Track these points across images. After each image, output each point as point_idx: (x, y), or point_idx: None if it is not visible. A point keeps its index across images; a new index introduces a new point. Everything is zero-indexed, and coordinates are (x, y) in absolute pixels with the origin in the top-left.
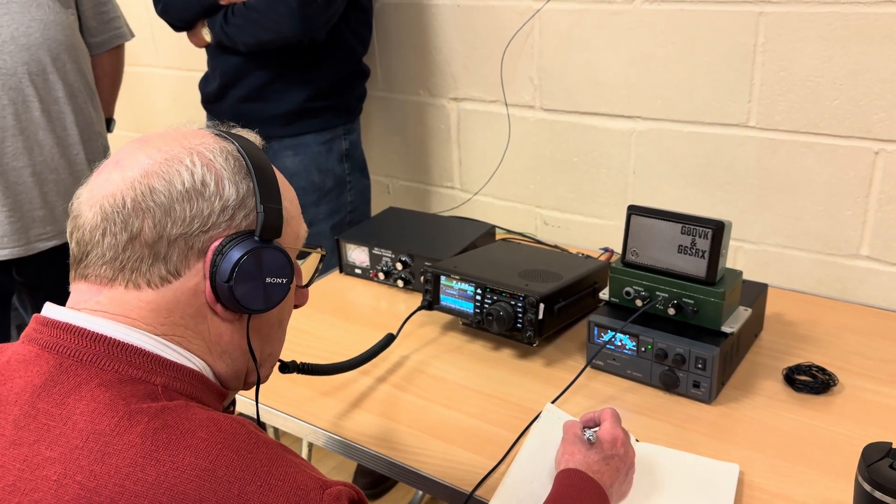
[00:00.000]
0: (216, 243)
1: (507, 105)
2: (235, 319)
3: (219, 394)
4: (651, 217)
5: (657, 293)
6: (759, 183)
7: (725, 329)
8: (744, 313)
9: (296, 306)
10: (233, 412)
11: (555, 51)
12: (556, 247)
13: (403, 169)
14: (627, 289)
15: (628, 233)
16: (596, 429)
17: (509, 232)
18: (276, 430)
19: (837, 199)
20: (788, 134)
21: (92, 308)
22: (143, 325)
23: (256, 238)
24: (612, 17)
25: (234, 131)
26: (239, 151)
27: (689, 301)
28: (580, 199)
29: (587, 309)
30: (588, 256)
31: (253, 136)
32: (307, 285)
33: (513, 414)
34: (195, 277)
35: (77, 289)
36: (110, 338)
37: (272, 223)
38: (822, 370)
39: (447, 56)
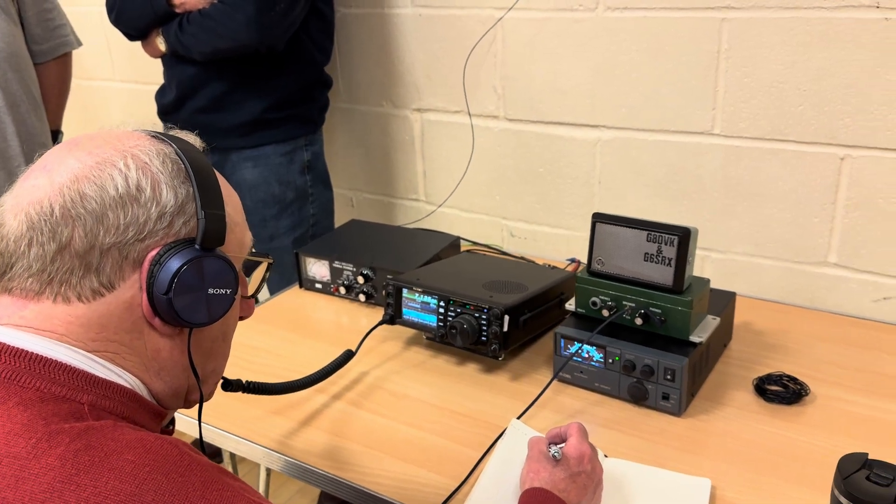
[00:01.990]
0: (153, 252)
1: (470, 115)
2: (175, 334)
3: (155, 413)
4: (616, 225)
5: (624, 303)
6: (725, 191)
7: (694, 338)
8: (712, 322)
9: (241, 318)
10: (172, 432)
11: (518, 60)
12: (522, 258)
13: (367, 182)
14: (594, 299)
15: (593, 241)
16: (562, 445)
17: (475, 244)
18: (232, 455)
19: (804, 207)
20: (753, 141)
21: (16, 323)
22: (73, 341)
23: (197, 246)
24: (574, 24)
25: (171, 133)
26: (177, 154)
27: (657, 310)
28: (546, 210)
29: (554, 320)
30: (554, 267)
31: (192, 138)
32: (253, 296)
33: (477, 431)
34: (130, 290)
35: (0, 303)
36: (33, 353)
37: (214, 230)
38: (794, 380)
39: (409, 66)
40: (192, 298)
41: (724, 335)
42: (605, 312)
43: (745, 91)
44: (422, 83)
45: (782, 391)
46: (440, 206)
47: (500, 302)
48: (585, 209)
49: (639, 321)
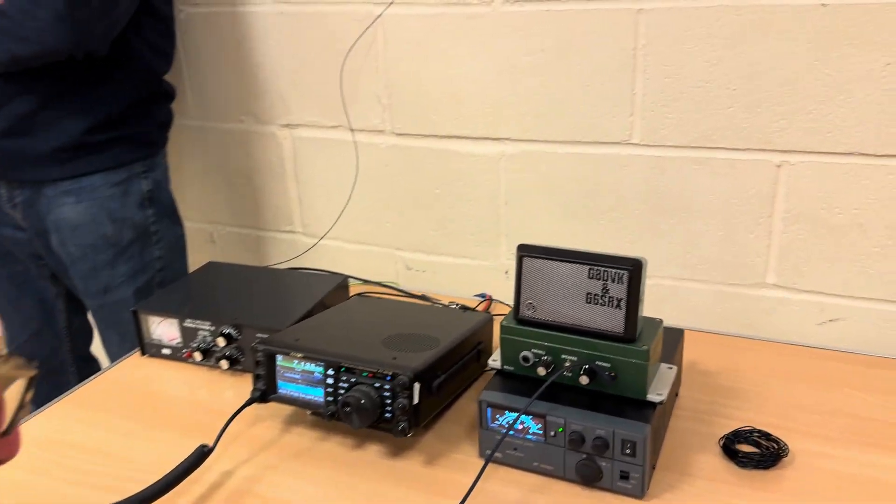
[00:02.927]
0: None
1: (351, 130)
2: None
3: None
4: (549, 258)
5: (563, 356)
6: (649, 208)
7: (653, 397)
8: (668, 373)
9: None
10: None
11: (404, 64)
12: (423, 297)
13: (230, 213)
14: (525, 353)
15: (521, 281)
16: None
17: (366, 282)
18: None
19: (738, 221)
20: (678, 150)
21: None
22: None
23: None
24: (468, 21)
25: None
26: None
27: (605, 364)
28: (446, 238)
29: (471, 377)
30: (465, 307)
31: None
32: (7, 432)
33: None
34: None
35: None
36: None
37: None
38: (766, 435)
39: (272, 74)
40: None
41: (676, 384)
42: (541, 370)
43: (667, 93)
44: (289, 94)
45: (756, 453)
46: (321, 238)
47: (406, 365)
48: (491, 234)
49: (584, 380)
